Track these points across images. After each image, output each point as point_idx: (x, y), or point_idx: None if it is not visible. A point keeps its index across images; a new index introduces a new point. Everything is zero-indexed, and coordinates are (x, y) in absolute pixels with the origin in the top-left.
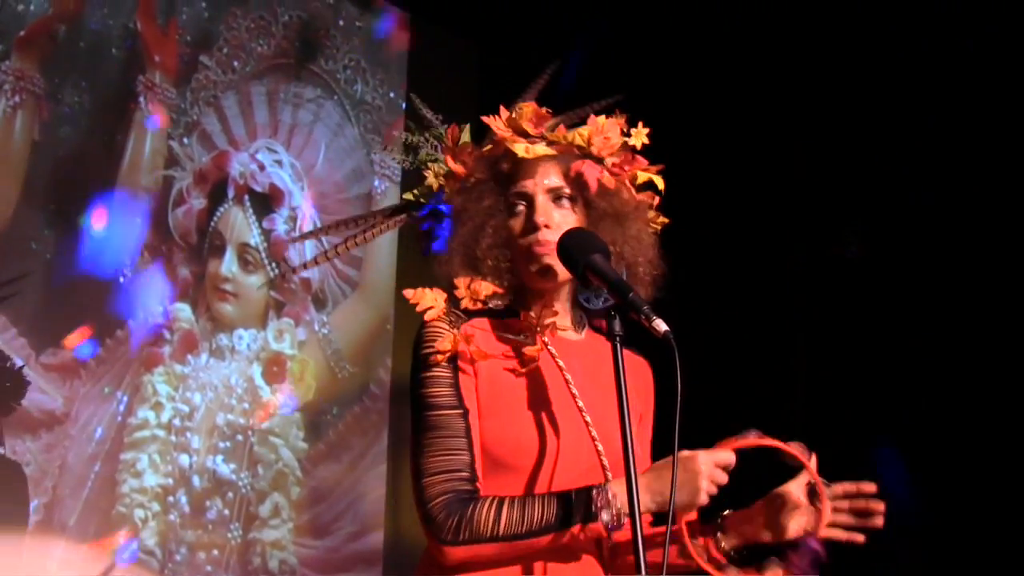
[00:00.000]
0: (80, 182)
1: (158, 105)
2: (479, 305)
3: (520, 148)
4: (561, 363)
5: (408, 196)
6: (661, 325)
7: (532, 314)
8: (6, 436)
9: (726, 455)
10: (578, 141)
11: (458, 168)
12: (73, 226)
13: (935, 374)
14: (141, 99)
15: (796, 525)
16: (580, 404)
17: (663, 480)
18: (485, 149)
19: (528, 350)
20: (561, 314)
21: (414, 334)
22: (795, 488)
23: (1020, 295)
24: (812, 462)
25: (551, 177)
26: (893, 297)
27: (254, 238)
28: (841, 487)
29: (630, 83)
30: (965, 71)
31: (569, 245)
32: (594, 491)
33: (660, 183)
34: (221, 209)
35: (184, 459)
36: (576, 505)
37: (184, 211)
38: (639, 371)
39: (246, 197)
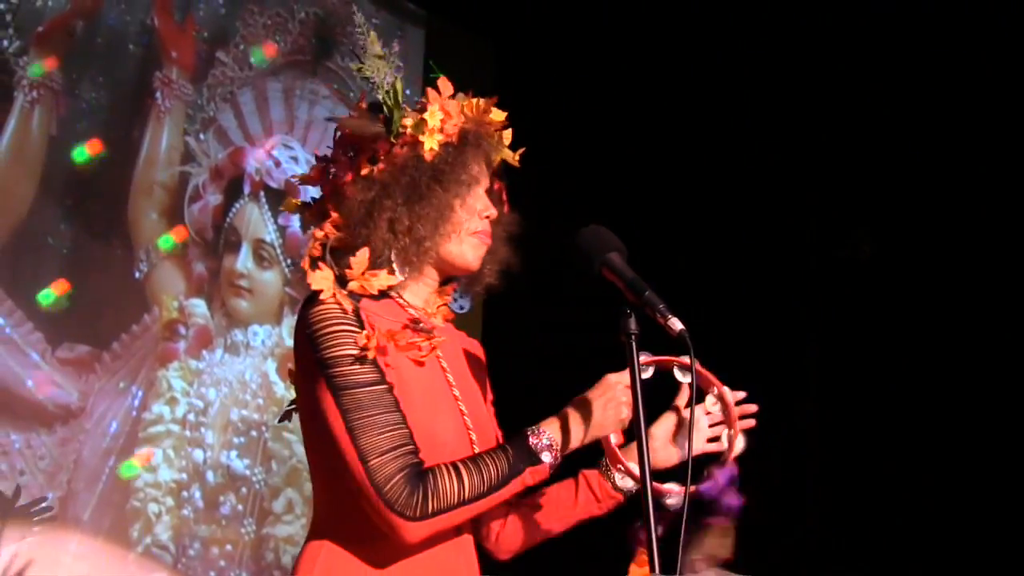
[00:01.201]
0: (96, 177)
1: (175, 101)
2: (363, 292)
3: (506, 153)
4: (439, 352)
5: (399, 120)
6: (677, 324)
7: (427, 303)
8: (22, 430)
9: (625, 376)
10: (506, 157)
11: (450, 125)
12: (89, 221)
13: (946, 375)
14: (158, 95)
15: (697, 443)
16: (457, 394)
17: (588, 412)
18: (465, 115)
19: (433, 341)
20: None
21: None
22: (671, 415)
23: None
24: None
25: (489, 175)
26: (904, 299)
27: (269, 234)
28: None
29: (642, 83)
30: (978, 73)
31: (585, 243)
32: (529, 435)
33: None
34: (237, 205)
35: (198, 454)
36: (519, 453)
37: (200, 207)
38: (479, 356)
39: (262, 193)
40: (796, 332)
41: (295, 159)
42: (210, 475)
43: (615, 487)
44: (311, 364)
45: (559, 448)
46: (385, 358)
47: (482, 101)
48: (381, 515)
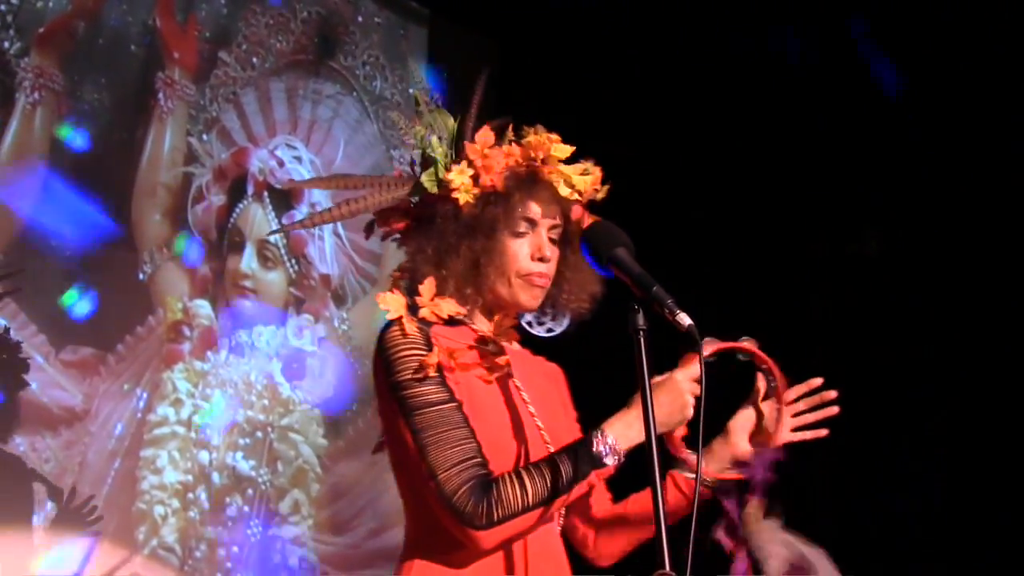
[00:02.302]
0: (99, 179)
1: (177, 101)
2: (435, 319)
3: (565, 189)
4: (513, 376)
5: (426, 182)
6: (685, 319)
7: (494, 324)
8: (27, 433)
9: (693, 369)
10: (581, 187)
11: (487, 178)
12: (92, 223)
13: (955, 371)
14: (160, 96)
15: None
16: (532, 410)
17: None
18: (510, 162)
19: (499, 360)
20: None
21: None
22: (748, 411)
23: None
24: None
25: (554, 214)
26: (913, 294)
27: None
28: (793, 391)
29: (647, 79)
30: (983, 66)
31: (594, 237)
32: (593, 438)
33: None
34: (240, 206)
35: (204, 456)
36: (583, 456)
37: (203, 208)
38: (558, 378)
39: (265, 194)
40: (804, 327)
41: (298, 159)
42: (216, 476)
43: (704, 483)
44: (387, 387)
45: (622, 449)
46: (455, 377)
47: (541, 138)
48: (454, 526)
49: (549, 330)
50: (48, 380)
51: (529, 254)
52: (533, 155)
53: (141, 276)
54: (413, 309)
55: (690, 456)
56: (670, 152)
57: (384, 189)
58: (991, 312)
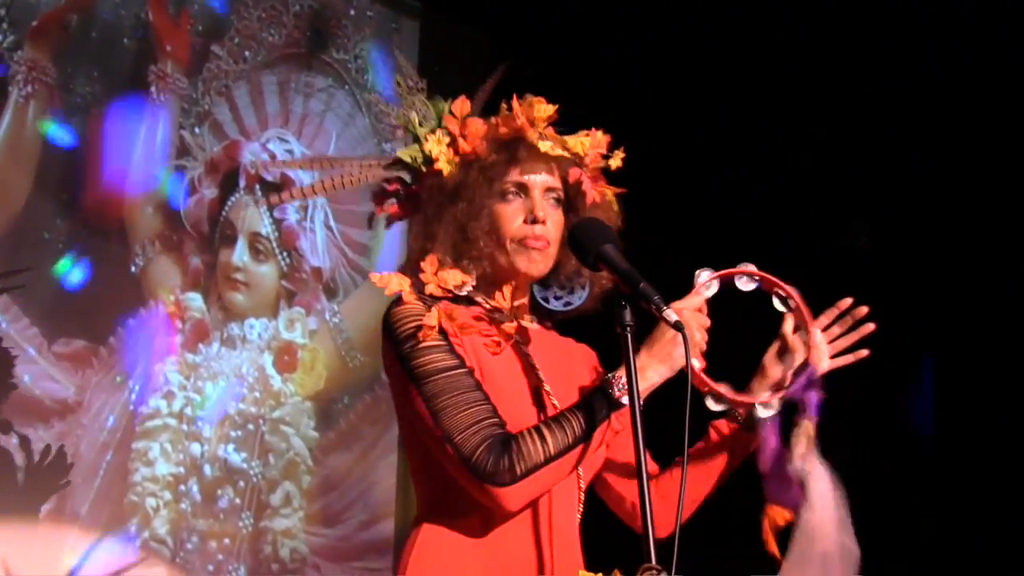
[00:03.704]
0: (91, 171)
1: (169, 95)
2: (442, 293)
3: (546, 145)
4: (524, 347)
5: (403, 155)
6: (672, 315)
7: (502, 295)
8: (19, 424)
9: (695, 299)
10: (577, 149)
11: (466, 144)
12: (83, 216)
13: (945, 365)
14: (153, 89)
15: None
16: (548, 388)
17: (659, 349)
18: (496, 130)
19: (506, 327)
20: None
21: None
22: (780, 344)
23: None
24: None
25: (548, 177)
26: (903, 288)
27: (265, 227)
28: (824, 316)
29: (639, 76)
30: (974, 62)
31: (580, 233)
32: (606, 383)
33: (616, 206)
34: (232, 199)
35: (196, 448)
36: (599, 401)
37: (195, 200)
38: (587, 358)
39: (257, 187)
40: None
41: (290, 152)
42: (207, 469)
43: (747, 428)
44: (395, 362)
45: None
46: (464, 346)
47: (525, 102)
48: (476, 487)
49: (567, 304)
50: (41, 372)
51: (522, 218)
52: (516, 120)
53: (133, 269)
54: (419, 287)
55: (721, 392)
56: (660, 147)
57: (369, 167)
58: (982, 305)
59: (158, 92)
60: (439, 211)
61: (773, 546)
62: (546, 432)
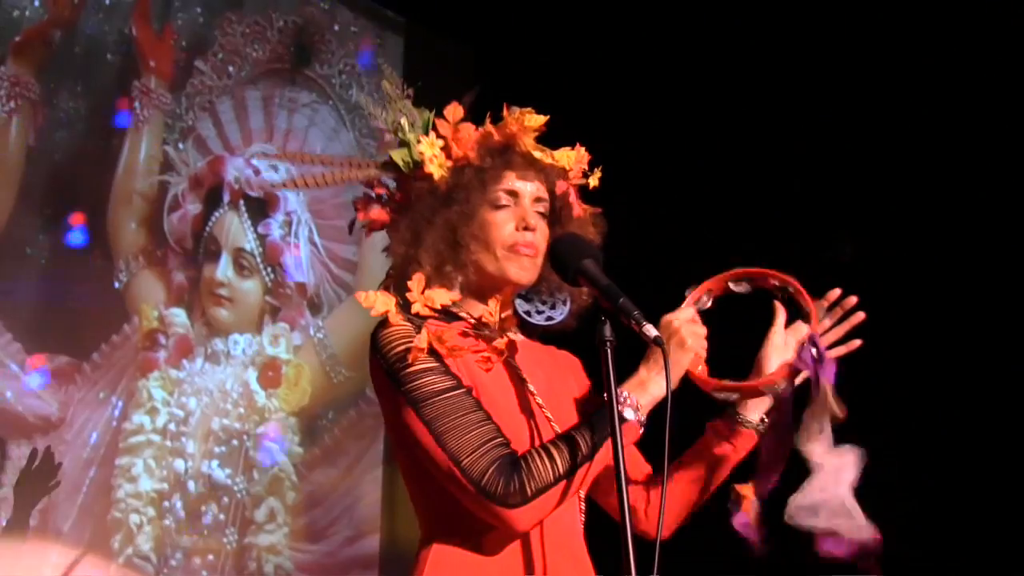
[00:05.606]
0: (75, 187)
1: (153, 110)
2: (429, 312)
3: (539, 152)
4: (513, 361)
5: (396, 156)
6: (651, 330)
7: (489, 311)
8: (1, 441)
9: (687, 311)
10: (564, 162)
11: (458, 148)
12: (68, 231)
13: (930, 377)
14: (136, 104)
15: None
16: (540, 401)
17: (656, 362)
18: (488, 136)
19: (497, 343)
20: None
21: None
22: (773, 340)
23: (1016, 297)
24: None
25: (538, 186)
26: (887, 300)
27: (249, 243)
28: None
29: (622, 87)
30: (959, 71)
31: (561, 248)
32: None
33: (597, 222)
34: (216, 214)
35: (179, 464)
36: (603, 418)
37: (179, 216)
38: (573, 367)
39: (241, 202)
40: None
41: (274, 168)
42: (191, 485)
43: (744, 423)
44: (387, 386)
45: (643, 404)
46: (456, 365)
47: (518, 114)
48: (486, 510)
49: (548, 319)
50: (23, 389)
51: (513, 225)
52: (507, 129)
53: (117, 284)
54: (405, 307)
55: (728, 384)
56: (644, 159)
57: (356, 167)
58: (967, 316)
59: (142, 107)
60: (429, 214)
61: (747, 529)
62: (553, 451)
